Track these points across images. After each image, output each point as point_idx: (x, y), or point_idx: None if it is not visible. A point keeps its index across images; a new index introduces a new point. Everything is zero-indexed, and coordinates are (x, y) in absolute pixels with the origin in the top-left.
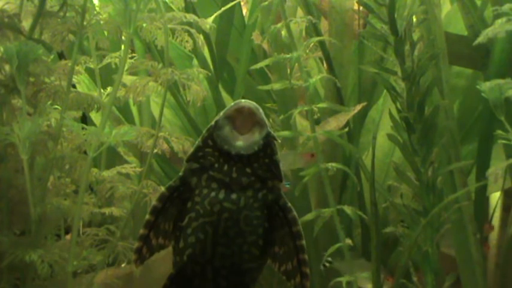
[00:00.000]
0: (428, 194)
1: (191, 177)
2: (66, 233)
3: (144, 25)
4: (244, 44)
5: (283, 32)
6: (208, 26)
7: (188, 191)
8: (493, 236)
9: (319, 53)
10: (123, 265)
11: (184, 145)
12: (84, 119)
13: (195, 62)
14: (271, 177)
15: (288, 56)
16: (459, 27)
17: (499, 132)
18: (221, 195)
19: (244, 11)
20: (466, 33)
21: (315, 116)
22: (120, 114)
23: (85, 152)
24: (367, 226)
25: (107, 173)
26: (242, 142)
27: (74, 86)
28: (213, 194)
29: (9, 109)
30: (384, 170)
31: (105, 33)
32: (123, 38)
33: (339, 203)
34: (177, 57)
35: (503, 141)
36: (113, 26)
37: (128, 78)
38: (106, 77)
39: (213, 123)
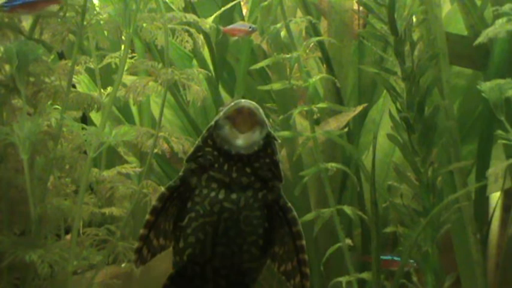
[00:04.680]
0: (428, 194)
1: (191, 177)
2: (66, 233)
3: (144, 25)
4: (244, 44)
5: (283, 32)
6: (208, 26)
7: (188, 191)
8: (493, 236)
9: (319, 53)
10: (123, 265)
11: (184, 145)
12: (84, 119)
13: (195, 62)
14: (271, 177)
15: (287, 56)
16: (459, 27)
17: (499, 132)
18: (221, 195)
19: (244, 11)
20: (466, 33)
21: (315, 116)
22: (120, 114)
23: (85, 152)
24: (367, 226)
25: (107, 173)
26: (242, 142)
27: (74, 86)
28: (213, 194)
29: (9, 109)
30: (384, 170)
31: (105, 33)
32: (123, 38)
33: (339, 203)
34: (177, 57)
35: (503, 141)
36: (113, 26)
37: (128, 78)
38: (106, 77)
39: (213, 123)
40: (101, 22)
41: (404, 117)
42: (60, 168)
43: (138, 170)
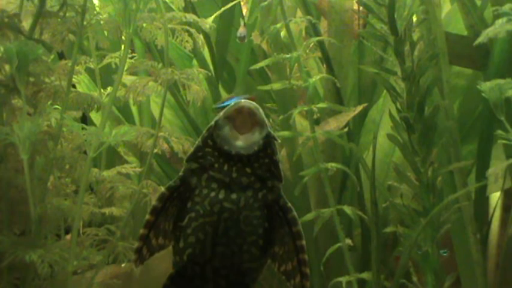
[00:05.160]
0: (428, 194)
1: (191, 177)
2: (66, 233)
3: (144, 25)
4: (244, 44)
5: (283, 32)
6: (208, 26)
7: (188, 191)
8: (493, 236)
9: (319, 53)
10: (123, 265)
11: (184, 145)
12: (84, 119)
13: (195, 62)
14: (271, 177)
15: (287, 56)
16: (459, 27)
17: (499, 132)
18: (221, 195)
19: (244, 11)
20: (466, 33)
21: (315, 116)
22: (120, 114)
23: (85, 152)
24: (367, 226)
25: (107, 173)
26: (242, 142)
27: (74, 86)
28: (213, 194)
29: (9, 109)
30: (384, 170)
31: (105, 33)
32: (123, 38)
33: (339, 203)
34: (177, 57)
35: (503, 141)
36: (113, 26)
37: (128, 78)
38: (106, 77)
39: (213, 123)
40: (101, 22)
41: (404, 117)
42: (60, 168)
43: (138, 170)
